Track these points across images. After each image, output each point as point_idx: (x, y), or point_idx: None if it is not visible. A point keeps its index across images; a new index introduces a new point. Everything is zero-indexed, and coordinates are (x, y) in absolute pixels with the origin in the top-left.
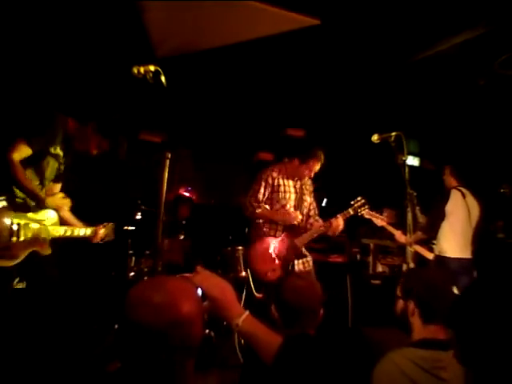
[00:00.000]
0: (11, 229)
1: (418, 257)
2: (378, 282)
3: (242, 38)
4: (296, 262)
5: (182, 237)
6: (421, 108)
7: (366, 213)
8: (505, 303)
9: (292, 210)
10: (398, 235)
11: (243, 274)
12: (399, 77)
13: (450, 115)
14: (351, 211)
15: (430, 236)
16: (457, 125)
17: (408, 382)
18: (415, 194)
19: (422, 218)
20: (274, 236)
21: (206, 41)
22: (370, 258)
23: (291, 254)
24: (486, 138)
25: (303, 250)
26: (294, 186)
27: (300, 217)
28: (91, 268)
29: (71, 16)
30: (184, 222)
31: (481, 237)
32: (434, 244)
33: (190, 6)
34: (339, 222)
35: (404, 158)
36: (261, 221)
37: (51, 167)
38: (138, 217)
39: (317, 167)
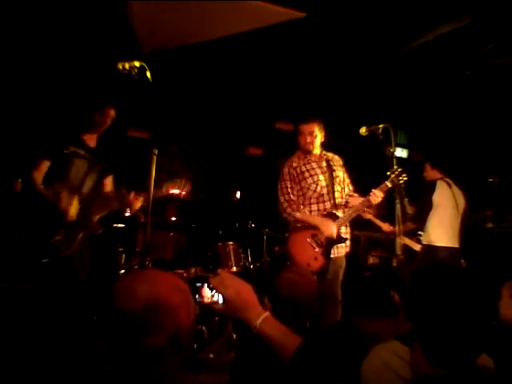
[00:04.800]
0: None
1: (406, 248)
2: (368, 273)
3: (228, 32)
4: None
5: (171, 233)
6: (408, 99)
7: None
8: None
9: (325, 190)
10: (386, 227)
11: (234, 269)
12: (386, 68)
13: (438, 106)
14: (388, 184)
15: (418, 226)
16: (444, 115)
17: (394, 376)
18: (404, 185)
19: (410, 210)
20: (310, 225)
21: (193, 35)
22: (361, 250)
23: (330, 238)
24: (473, 128)
25: (342, 232)
26: (320, 167)
27: (335, 230)
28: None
29: (54, 11)
30: (174, 219)
31: (468, 226)
32: (421, 235)
33: (176, 1)
34: (378, 196)
35: (392, 150)
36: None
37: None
38: (127, 214)
39: (308, 129)
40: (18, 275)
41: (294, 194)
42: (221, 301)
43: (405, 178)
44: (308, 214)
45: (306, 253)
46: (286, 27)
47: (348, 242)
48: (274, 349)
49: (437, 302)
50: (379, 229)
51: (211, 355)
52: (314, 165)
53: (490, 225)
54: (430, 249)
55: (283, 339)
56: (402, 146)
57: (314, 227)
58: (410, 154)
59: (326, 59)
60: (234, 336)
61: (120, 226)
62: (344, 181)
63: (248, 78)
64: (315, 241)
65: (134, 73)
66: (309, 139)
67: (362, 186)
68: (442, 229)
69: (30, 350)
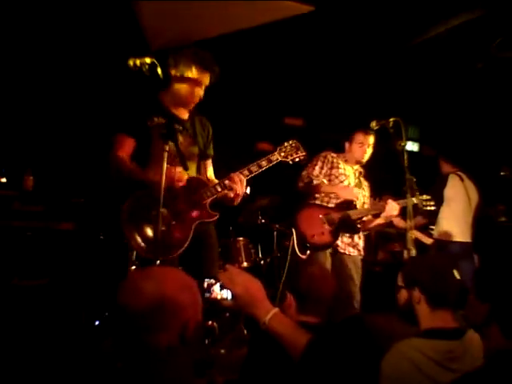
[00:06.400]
0: None
1: (417, 243)
2: (379, 268)
3: (236, 28)
4: (346, 240)
5: None
6: (419, 93)
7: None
8: None
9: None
10: (397, 221)
11: (245, 264)
12: (397, 62)
13: (449, 99)
14: (415, 200)
15: (429, 220)
16: (456, 109)
17: (418, 373)
18: (415, 179)
19: (421, 204)
20: (326, 206)
21: (201, 31)
22: (371, 245)
23: (343, 222)
24: (485, 122)
25: (356, 223)
26: (354, 172)
27: (358, 196)
28: (91, 262)
29: (63, 9)
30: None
31: (480, 220)
32: (432, 230)
33: None
34: (392, 207)
35: (403, 144)
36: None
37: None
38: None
39: (369, 141)
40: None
41: (317, 171)
42: (230, 297)
43: (432, 208)
44: (327, 184)
45: (314, 226)
46: (295, 21)
47: (360, 247)
48: (283, 345)
49: None
50: (390, 223)
51: (222, 351)
52: (349, 168)
53: (502, 219)
54: (441, 243)
55: (292, 335)
56: (413, 140)
57: (331, 208)
58: (420, 148)
59: (336, 53)
60: (245, 332)
61: None
62: (367, 198)
63: (257, 73)
64: (327, 218)
65: (144, 69)
66: (367, 151)
67: (372, 180)
68: (454, 223)
69: (39, 345)
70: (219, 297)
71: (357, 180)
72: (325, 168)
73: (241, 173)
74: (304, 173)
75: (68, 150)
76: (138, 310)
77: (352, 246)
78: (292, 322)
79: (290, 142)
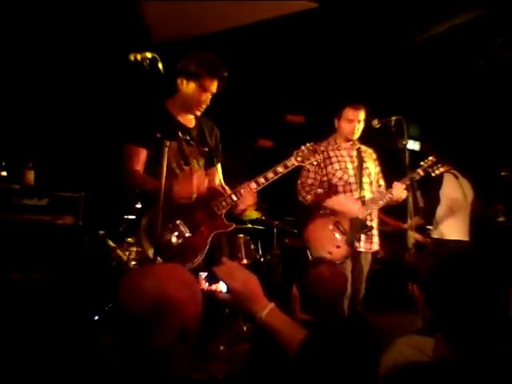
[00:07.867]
0: None
1: (416, 242)
2: (378, 267)
3: (239, 23)
4: (363, 237)
5: None
6: (421, 91)
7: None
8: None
9: (352, 179)
10: (391, 222)
11: (245, 261)
12: (398, 60)
13: (450, 98)
14: (421, 172)
15: (428, 221)
16: (457, 108)
17: None
18: (416, 178)
19: (422, 203)
20: (332, 212)
21: (203, 26)
22: None
23: (354, 226)
24: (486, 121)
25: (368, 221)
26: (349, 155)
27: (358, 204)
28: (91, 257)
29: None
30: None
31: (478, 218)
32: (429, 230)
33: None
34: (399, 189)
35: (404, 143)
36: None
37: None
38: (138, 206)
39: (358, 116)
40: None
41: (311, 178)
42: (224, 290)
43: (441, 169)
44: (322, 193)
45: (328, 241)
46: (297, 18)
47: (376, 239)
48: (278, 341)
49: (458, 292)
50: (385, 222)
51: (222, 347)
52: (344, 152)
53: (501, 219)
54: (440, 242)
55: (289, 331)
56: (415, 139)
57: (337, 214)
58: (422, 147)
59: (338, 50)
60: (245, 328)
61: (130, 217)
62: (377, 174)
63: (258, 70)
64: (338, 228)
65: (145, 64)
66: (357, 127)
67: None
68: (451, 222)
69: (37, 339)
70: (214, 289)
71: (356, 161)
72: (319, 171)
73: (256, 181)
74: (299, 182)
75: (69, 144)
76: (138, 309)
77: (369, 243)
78: (289, 318)
79: (308, 144)
